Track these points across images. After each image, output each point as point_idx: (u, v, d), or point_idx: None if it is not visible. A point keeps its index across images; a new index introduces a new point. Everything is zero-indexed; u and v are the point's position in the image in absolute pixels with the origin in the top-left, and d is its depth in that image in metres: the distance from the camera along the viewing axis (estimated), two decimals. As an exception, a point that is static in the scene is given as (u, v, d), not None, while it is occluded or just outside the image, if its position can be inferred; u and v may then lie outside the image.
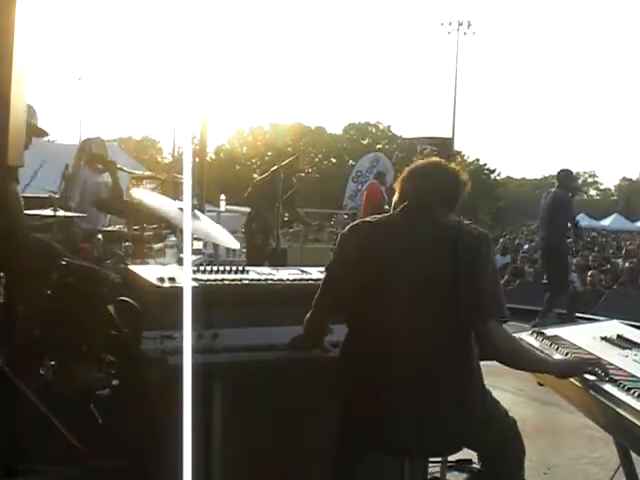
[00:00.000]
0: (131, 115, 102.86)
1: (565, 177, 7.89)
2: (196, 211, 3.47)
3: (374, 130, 52.02)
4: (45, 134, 4.37)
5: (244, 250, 7.94)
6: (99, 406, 3.06)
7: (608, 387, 2.11)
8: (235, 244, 3.67)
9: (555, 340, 2.48)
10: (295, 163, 7.48)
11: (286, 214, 7.46)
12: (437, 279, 2.12)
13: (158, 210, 3.46)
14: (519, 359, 2.18)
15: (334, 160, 49.02)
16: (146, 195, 3.78)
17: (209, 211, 10.66)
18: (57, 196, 4.59)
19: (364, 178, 16.53)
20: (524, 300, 8.40)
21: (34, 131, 3.90)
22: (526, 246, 15.85)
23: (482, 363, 2.21)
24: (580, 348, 2.39)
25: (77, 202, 5.10)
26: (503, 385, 4.70)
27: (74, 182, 5.38)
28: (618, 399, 2.04)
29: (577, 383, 2.21)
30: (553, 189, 7.86)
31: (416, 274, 2.14)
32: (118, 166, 5.65)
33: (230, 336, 2.47)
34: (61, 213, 4.25)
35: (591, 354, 2.32)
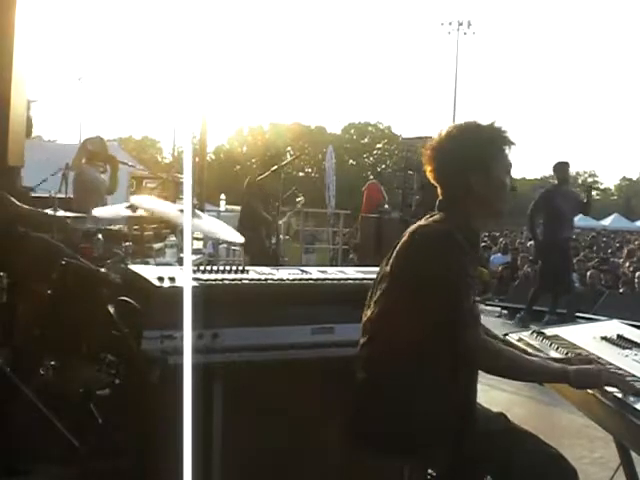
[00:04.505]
0: (131, 115, 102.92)
1: (563, 169, 8.04)
2: (197, 211, 3.47)
3: (374, 130, 52.00)
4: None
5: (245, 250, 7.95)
6: (99, 406, 3.05)
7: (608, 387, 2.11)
8: (239, 238, 3.65)
9: (555, 340, 2.48)
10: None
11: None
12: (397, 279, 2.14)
13: (158, 213, 3.47)
14: (507, 373, 2.14)
15: (334, 160, 48.99)
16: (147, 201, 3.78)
17: (209, 210, 10.69)
18: (57, 196, 4.60)
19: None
20: (524, 300, 8.42)
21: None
22: (529, 244, 15.72)
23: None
24: (580, 348, 2.39)
25: (79, 202, 5.10)
26: (502, 385, 4.69)
27: (75, 182, 5.39)
28: (618, 399, 2.04)
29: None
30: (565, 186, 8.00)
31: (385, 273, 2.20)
32: (121, 160, 5.66)
33: (230, 336, 2.47)
34: (61, 213, 4.26)
35: (592, 354, 2.31)
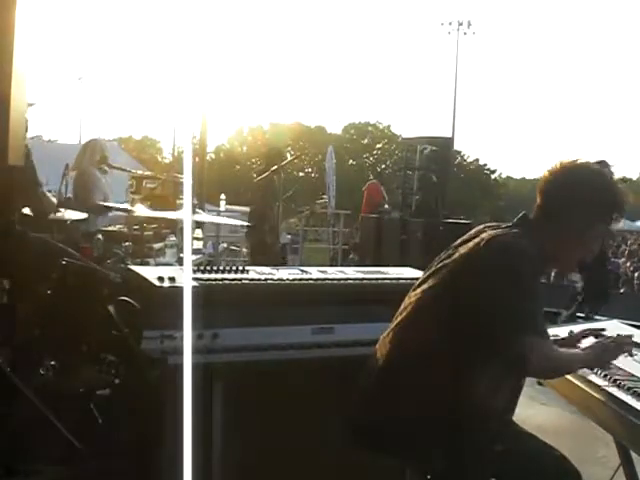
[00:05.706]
0: (131, 115, 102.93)
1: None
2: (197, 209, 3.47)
3: (374, 130, 51.97)
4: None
5: (245, 249, 7.96)
6: (99, 406, 3.06)
7: (608, 386, 2.12)
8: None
9: (555, 340, 2.47)
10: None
11: None
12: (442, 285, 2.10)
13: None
14: (556, 374, 2.20)
15: (334, 160, 48.99)
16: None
17: (209, 210, 10.69)
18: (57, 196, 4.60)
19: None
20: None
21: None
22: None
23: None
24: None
25: (80, 202, 5.10)
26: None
27: (76, 181, 5.39)
28: (618, 399, 2.04)
29: (577, 382, 2.21)
30: None
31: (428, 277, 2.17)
32: (120, 167, 5.67)
33: (230, 336, 2.47)
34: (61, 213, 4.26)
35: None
